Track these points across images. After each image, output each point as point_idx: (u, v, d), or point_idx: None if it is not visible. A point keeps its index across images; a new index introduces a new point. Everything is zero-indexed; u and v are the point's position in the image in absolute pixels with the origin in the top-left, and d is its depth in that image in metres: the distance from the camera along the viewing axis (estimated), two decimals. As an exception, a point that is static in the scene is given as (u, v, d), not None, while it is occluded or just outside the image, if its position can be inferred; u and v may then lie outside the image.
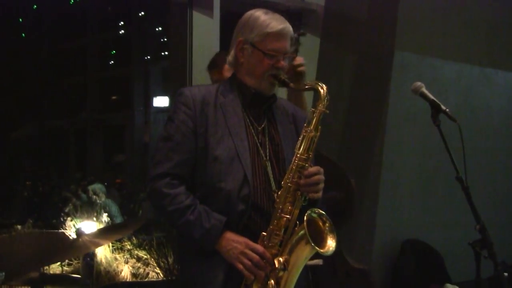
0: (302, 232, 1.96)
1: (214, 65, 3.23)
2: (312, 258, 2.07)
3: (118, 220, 7.31)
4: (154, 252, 4.98)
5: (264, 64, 2.12)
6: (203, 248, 2.06)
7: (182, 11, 4.45)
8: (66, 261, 4.74)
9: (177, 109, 2.13)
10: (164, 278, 4.66)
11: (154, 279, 4.81)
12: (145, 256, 5.13)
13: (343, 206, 3.23)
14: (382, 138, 4.52)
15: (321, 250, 1.96)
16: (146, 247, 5.22)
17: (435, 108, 2.25)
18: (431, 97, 2.28)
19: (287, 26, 2.16)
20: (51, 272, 4.48)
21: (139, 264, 5.07)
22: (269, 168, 2.11)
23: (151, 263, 4.99)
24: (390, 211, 4.56)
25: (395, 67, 4.49)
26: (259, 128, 2.17)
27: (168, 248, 4.80)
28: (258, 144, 2.14)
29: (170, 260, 4.68)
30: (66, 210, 6.05)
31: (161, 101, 18.86)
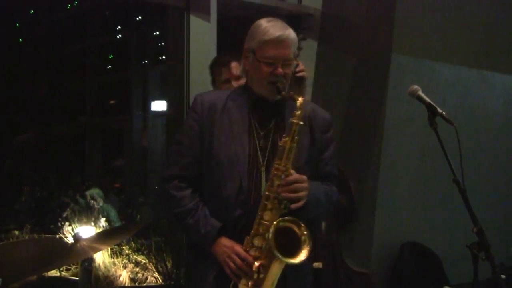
0: (271, 242, 2.02)
1: (219, 63, 3.06)
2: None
3: (117, 225, 7.28)
4: (153, 257, 4.98)
5: (262, 72, 2.15)
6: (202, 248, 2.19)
7: (179, 16, 4.46)
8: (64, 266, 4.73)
9: (188, 115, 2.25)
10: (163, 283, 4.66)
11: (153, 284, 4.80)
12: (144, 261, 5.12)
13: (347, 210, 3.23)
14: (380, 140, 4.52)
15: (291, 260, 2.02)
16: (145, 252, 5.21)
17: (431, 111, 2.25)
18: (428, 100, 2.29)
19: (286, 33, 2.15)
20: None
21: (137, 269, 5.07)
22: (263, 174, 2.16)
23: (150, 267, 4.98)
24: (388, 213, 4.56)
25: (393, 69, 4.49)
26: (262, 133, 2.20)
27: (167, 252, 4.80)
28: (258, 149, 2.18)
29: (169, 264, 4.68)
30: (64, 215, 6.03)
31: (159, 106, 18.76)
